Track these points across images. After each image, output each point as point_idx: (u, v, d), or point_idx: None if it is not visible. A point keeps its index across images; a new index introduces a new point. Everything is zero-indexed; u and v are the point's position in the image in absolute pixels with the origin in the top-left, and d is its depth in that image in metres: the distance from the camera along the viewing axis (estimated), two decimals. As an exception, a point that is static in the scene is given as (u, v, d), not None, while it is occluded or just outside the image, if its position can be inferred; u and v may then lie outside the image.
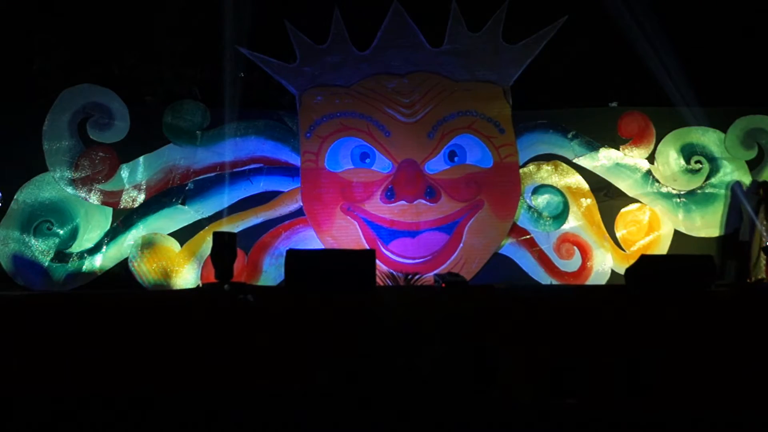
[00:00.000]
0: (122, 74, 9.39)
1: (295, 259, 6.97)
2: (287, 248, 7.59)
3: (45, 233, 8.80)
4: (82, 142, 8.98)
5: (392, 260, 9.20)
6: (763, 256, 8.83)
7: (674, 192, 9.64)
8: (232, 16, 9.14)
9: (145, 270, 8.86)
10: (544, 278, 9.39)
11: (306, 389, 3.91)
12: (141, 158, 9.15)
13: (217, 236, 8.00)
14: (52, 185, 8.87)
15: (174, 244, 9.05)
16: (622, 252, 9.47)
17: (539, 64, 9.50)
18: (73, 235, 8.87)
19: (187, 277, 8.99)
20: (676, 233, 9.57)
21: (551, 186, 9.61)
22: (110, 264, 8.92)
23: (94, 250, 8.91)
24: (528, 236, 9.54)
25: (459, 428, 3.50)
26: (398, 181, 9.27)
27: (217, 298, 6.96)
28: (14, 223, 8.71)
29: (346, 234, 9.26)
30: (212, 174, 9.28)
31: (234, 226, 9.08)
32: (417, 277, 8.94)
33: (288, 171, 9.46)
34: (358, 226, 9.29)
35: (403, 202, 9.25)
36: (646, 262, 7.66)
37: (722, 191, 9.59)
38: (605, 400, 3.71)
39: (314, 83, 9.48)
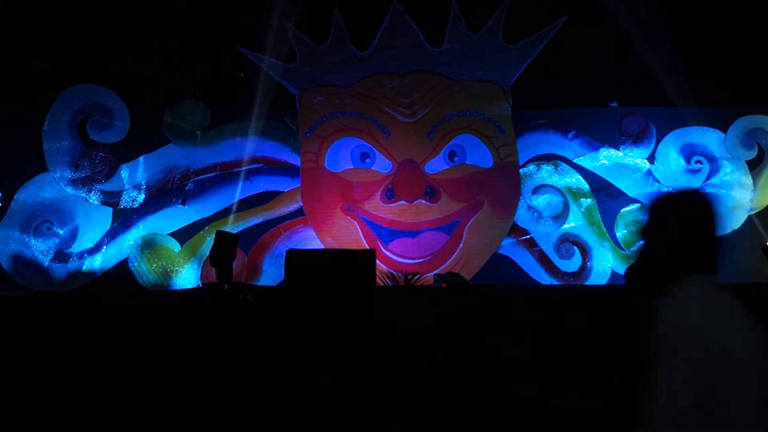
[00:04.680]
0: (122, 74, 9.38)
1: (295, 259, 6.97)
2: (287, 248, 7.60)
3: (45, 233, 8.80)
4: (82, 142, 8.99)
5: (392, 260, 9.20)
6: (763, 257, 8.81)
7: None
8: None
9: (145, 270, 8.87)
10: (544, 278, 9.39)
11: (306, 389, 3.91)
12: (141, 158, 9.15)
13: (219, 235, 8.03)
14: (52, 185, 8.87)
15: (174, 244, 9.05)
16: (622, 252, 9.47)
17: (540, 63, 9.49)
18: (73, 235, 8.87)
19: (187, 277, 9.00)
20: (677, 233, 9.55)
21: (551, 186, 9.61)
22: (110, 264, 8.92)
23: (94, 250, 8.91)
24: (528, 236, 9.54)
25: (459, 428, 3.50)
26: (398, 181, 9.27)
27: (217, 298, 6.96)
28: (14, 223, 8.71)
29: (346, 234, 9.26)
30: (212, 174, 9.28)
31: (234, 226, 9.09)
32: (417, 277, 8.94)
33: (288, 171, 9.46)
34: (358, 226, 9.28)
35: (403, 202, 9.25)
36: (646, 262, 7.65)
37: (722, 191, 9.59)
38: (605, 400, 3.71)
39: (314, 83, 9.48)
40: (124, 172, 9.09)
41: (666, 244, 1.56)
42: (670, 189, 9.62)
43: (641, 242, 1.59)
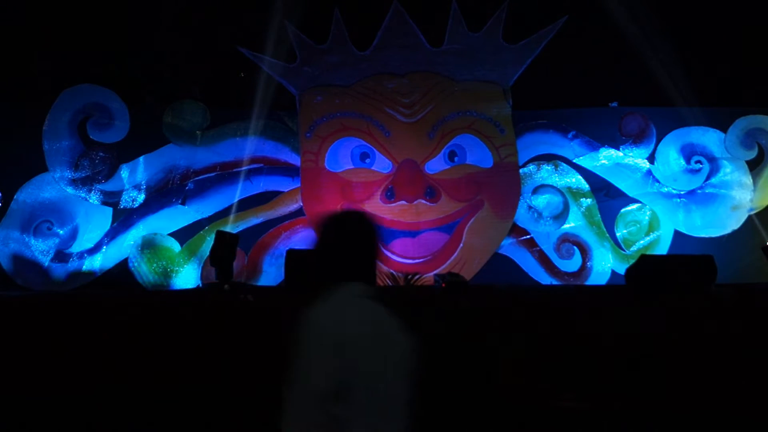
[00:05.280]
0: (122, 74, 9.38)
1: (295, 259, 6.99)
2: (287, 248, 7.62)
3: (45, 233, 8.80)
4: (82, 142, 8.99)
5: (392, 260, 9.20)
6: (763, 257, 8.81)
7: (674, 192, 9.64)
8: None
9: (145, 270, 8.87)
10: (544, 278, 9.39)
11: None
12: (141, 158, 9.15)
13: (219, 235, 8.03)
14: (52, 185, 8.87)
15: (174, 244, 9.06)
16: (622, 252, 9.47)
17: (540, 63, 9.49)
18: (73, 235, 8.88)
19: (187, 277, 9.00)
20: (676, 233, 9.57)
21: (551, 186, 9.61)
22: (110, 264, 8.92)
23: (94, 250, 8.91)
24: (528, 236, 9.54)
25: (459, 428, 3.50)
26: (398, 181, 9.27)
27: (217, 298, 6.97)
28: (14, 223, 8.71)
29: (346, 234, 9.25)
30: (212, 174, 9.29)
31: (234, 226, 9.09)
32: (417, 277, 8.94)
33: (288, 171, 9.46)
34: (358, 226, 9.27)
35: (403, 202, 9.25)
36: (646, 262, 7.67)
37: (722, 191, 9.59)
38: (605, 400, 3.71)
39: (314, 83, 9.48)
40: (124, 172, 9.09)
41: (323, 257, 1.75)
42: (671, 189, 9.62)
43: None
